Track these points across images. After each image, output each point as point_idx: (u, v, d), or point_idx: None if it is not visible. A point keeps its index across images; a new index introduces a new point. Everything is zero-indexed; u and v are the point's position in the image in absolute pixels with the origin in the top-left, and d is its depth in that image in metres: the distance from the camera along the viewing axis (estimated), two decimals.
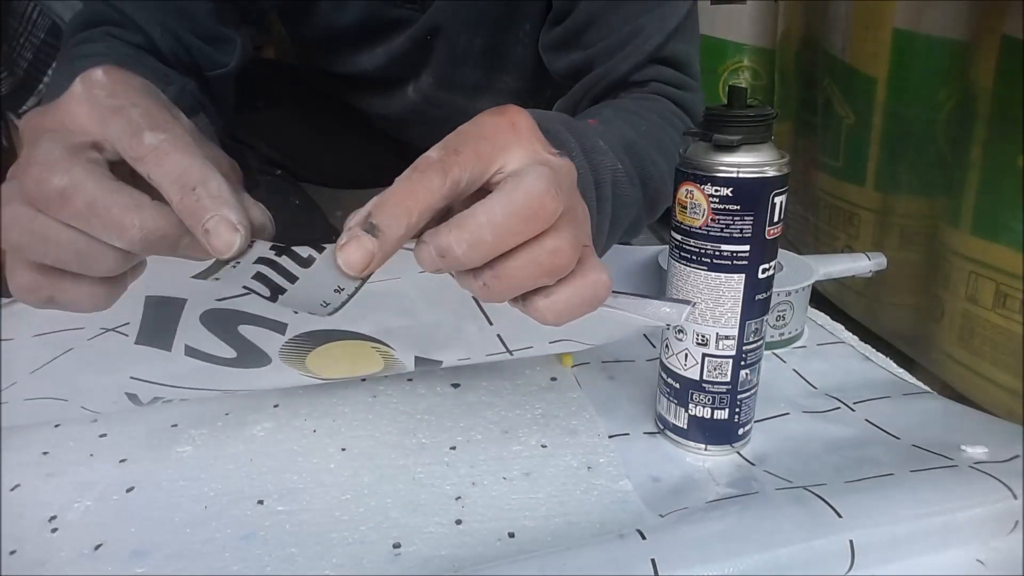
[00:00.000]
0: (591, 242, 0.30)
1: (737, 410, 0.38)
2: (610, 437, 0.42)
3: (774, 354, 0.51)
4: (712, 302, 0.36)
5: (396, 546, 0.34)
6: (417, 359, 0.40)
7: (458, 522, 0.35)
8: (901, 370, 0.50)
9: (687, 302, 0.32)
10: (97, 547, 0.34)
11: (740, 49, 1.24)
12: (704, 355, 0.37)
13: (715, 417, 0.38)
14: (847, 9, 0.95)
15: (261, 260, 0.27)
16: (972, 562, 0.32)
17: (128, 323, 0.39)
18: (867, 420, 0.42)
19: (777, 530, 0.30)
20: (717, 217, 0.35)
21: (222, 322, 0.38)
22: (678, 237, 0.37)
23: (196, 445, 0.42)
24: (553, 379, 0.48)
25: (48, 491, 0.38)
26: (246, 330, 0.38)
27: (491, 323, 0.37)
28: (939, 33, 0.82)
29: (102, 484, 0.39)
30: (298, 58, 0.84)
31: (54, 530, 0.35)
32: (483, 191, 0.27)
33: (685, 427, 0.40)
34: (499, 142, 0.27)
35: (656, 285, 0.61)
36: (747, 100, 0.35)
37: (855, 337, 0.55)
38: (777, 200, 0.35)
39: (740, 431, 0.39)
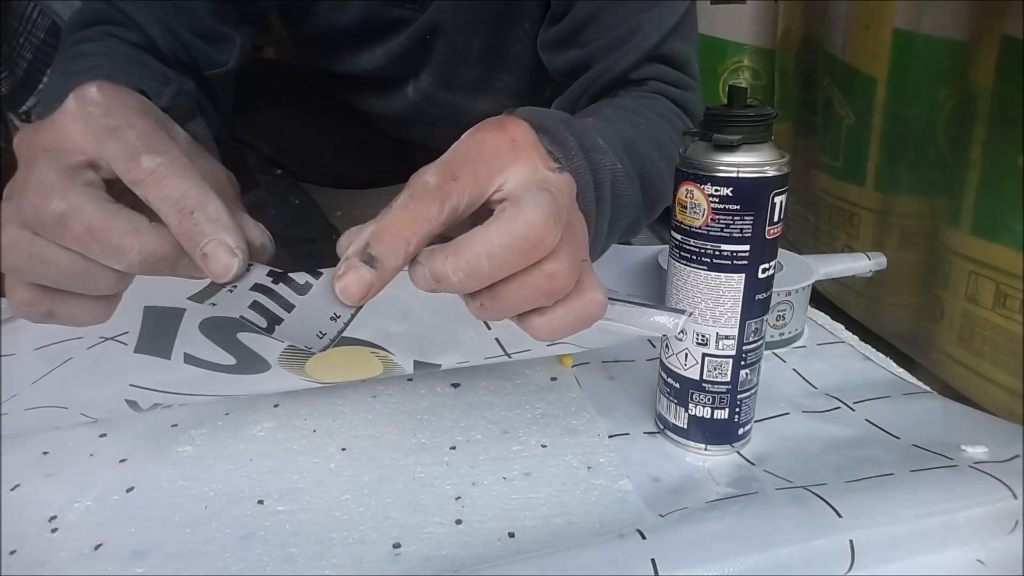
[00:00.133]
0: (589, 256, 0.30)
1: (737, 410, 0.38)
2: (610, 437, 0.42)
3: (774, 354, 0.51)
4: (712, 302, 0.36)
5: (396, 546, 0.34)
6: (416, 363, 0.40)
7: (458, 522, 0.35)
8: (901, 370, 0.50)
9: (681, 311, 0.32)
10: (97, 547, 0.34)
11: (740, 49, 1.24)
12: (704, 355, 0.37)
13: (715, 417, 0.38)
14: (847, 9, 0.95)
15: (257, 287, 0.27)
16: (972, 562, 0.32)
17: (127, 332, 0.39)
18: (867, 420, 0.42)
19: (777, 530, 0.30)
20: (717, 217, 0.35)
21: (221, 330, 0.38)
22: (678, 237, 0.37)
23: (196, 445, 0.42)
24: (553, 379, 0.48)
25: (48, 491, 0.38)
26: (245, 337, 0.38)
27: (489, 327, 0.37)
28: (939, 33, 0.82)
29: (102, 484, 0.39)
30: (298, 58, 0.84)
31: (54, 530, 0.35)
32: (483, 208, 0.27)
33: (685, 427, 0.40)
34: (498, 162, 0.27)
35: (656, 285, 0.61)
36: (747, 100, 0.35)
37: (855, 337, 0.55)
38: (777, 200, 0.35)
39: (740, 431, 0.39)
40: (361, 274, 0.25)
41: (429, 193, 0.26)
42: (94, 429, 0.43)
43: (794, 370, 0.49)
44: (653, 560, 0.29)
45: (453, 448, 0.41)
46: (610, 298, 0.30)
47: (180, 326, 0.38)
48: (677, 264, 0.37)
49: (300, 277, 0.27)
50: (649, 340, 0.53)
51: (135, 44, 0.48)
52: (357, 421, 0.44)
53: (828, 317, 0.58)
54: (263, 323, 0.27)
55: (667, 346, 0.39)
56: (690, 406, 0.39)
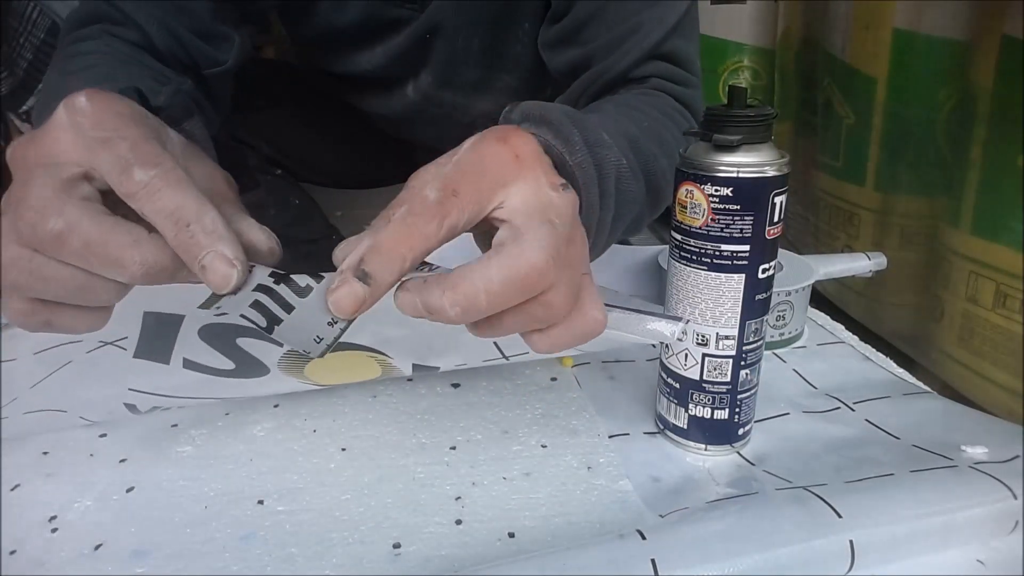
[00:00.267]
0: (589, 270, 0.30)
1: (737, 410, 0.38)
2: (610, 437, 0.42)
3: (774, 354, 0.51)
4: (712, 302, 0.36)
5: (396, 546, 0.34)
6: (415, 366, 0.40)
7: (458, 522, 0.35)
8: (901, 370, 0.50)
9: (679, 318, 0.32)
10: (97, 547, 0.34)
11: (740, 49, 1.24)
12: (704, 355, 0.37)
13: (715, 417, 0.38)
14: (847, 9, 0.94)
15: (260, 288, 0.27)
16: (972, 562, 0.32)
17: (126, 337, 0.39)
18: (867, 420, 0.42)
19: (777, 530, 0.30)
20: (717, 217, 0.35)
21: (220, 335, 0.38)
22: (678, 237, 0.37)
23: (196, 445, 0.42)
24: (553, 379, 0.48)
25: (48, 491, 0.38)
26: (244, 342, 0.38)
27: None
28: (939, 33, 0.81)
29: (102, 484, 0.39)
30: (298, 58, 0.84)
31: (54, 530, 0.35)
32: (483, 221, 0.27)
33: (685, 427, 0.40)
34: (501, 177, 0.27)
35: (656, 285, 0.61)
36: (747, 100, 0.35)
37: (855, 337, 0.55)
38: (777, 200, 0.35)
39: (740, 431, 0.39)
40: (354, 289, 0.25)
41: (428, 209, 0.25)
42: (94, 429, 0.43)
43: (794, 370, 0.49)
44: (653, 560, 0.29)
45: (453, 448, 0.41)
46: (609, 304, 0.30)
47: (179, 331, 0.38)
48: (677, 264, 0.37)
49: (301, 279, 0.27)
50: None
51: (133, 43, 0.48)
52: (357, 421, 0.44)
53: (828, 317, 0.58)
54: (263, 322, 0.27)
55: (667, 346, 0.39)
56: (690, 406, 0.39)
